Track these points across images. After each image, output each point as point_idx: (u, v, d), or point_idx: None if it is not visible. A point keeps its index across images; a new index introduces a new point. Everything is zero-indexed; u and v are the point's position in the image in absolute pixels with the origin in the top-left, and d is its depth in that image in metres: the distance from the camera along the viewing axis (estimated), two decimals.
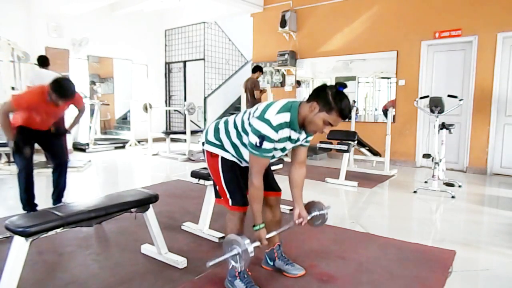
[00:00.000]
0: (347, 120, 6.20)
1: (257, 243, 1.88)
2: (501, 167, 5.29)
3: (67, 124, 3.72)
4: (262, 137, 1.75)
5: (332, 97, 1.75)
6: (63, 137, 3.38)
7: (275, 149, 1.86)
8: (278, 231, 2.06)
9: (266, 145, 1.77)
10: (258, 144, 1.76)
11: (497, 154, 5.30)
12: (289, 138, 1.86)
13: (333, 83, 2.00)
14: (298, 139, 1.92)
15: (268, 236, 1.95)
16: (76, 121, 3.42)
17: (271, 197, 2.19)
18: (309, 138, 2.01)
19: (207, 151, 2.04)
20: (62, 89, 2.80)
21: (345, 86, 1.80)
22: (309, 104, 1.79)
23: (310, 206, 2.19)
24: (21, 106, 2.84)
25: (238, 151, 1.96)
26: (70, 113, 3.59)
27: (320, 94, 1.79)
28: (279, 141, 1.82)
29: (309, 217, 2.13)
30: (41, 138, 3.16)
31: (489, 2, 5.15)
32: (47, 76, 5.57)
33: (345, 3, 6.50)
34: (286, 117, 1.79)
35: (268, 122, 1.75)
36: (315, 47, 6.93)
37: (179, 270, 2.25)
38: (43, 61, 5.50)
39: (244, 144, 1.91)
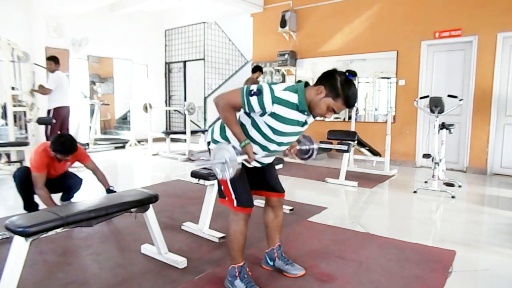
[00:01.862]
0: (347, 119, 6.24)
1: (245, 156, 1.80)
2: (501, 167, 5.29)
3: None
4: (259, 92, 1.73)
5: (340, 84, 1.73)
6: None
7: (282, 133, 1.82)
8: (268, 155, 1.97)
9: (254, 101, 1.73)
10: (251, 93, 1.74)
11: (497, 154, 5.29)
12: (297, 122, 1.83)
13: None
14: (306, 122, 1.88)
15: (257, 157, 1.87)
16: (103, 180, 3.23)
17: (274, 198, 2.18)
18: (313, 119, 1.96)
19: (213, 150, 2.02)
20: (63, 147, 2.91)
21: (355, 74, 1.77)
22: (316, 88, 1.77)
23: (299, 139, 2.16)
24: (42, 168, 2.94)
25: None
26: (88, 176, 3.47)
27: (328, 79, 1.76)
28: (286, 122, 1.78)
29: (298, 147, 2.10)
30: (55, 182, 3.20)
31: (489, 2, 5.15)
32: (64, 78, 5.70)
33: (345, 3, 6.49)
34: (293, 97, 1.76)
35: (271, 90, 1.74)
36: (315, 47, 6.93)
37: (179, 270, 2.25)
38: (58, 62, 5.62)
39: (251, 138, 1.88)
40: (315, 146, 2.13)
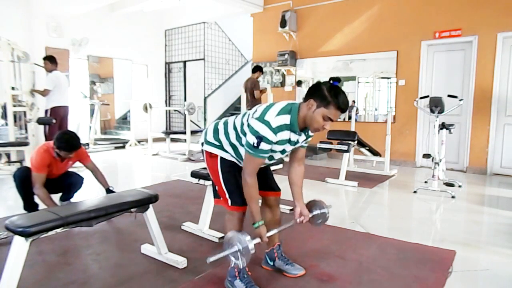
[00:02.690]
0: (347, 119, 6.24)
1: (257, 240, 1.87)
2: (501, 167, 5.29)
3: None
4: (260, 138, 1.75)
5: (328, 92, 1.75)
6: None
7: (273, 151, 1.86)
8: (279, 229, 2.06)
9: (264, 146, 1.77)
10: (255, 145, 1.77)
11: (497, 154, 5.29)
12: (288, 141, 1.86)
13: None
14: (297, 141, 1.92)
15: (268, 234, 1.94)
16: (102, 180, 3.21)
17: (271, 197, 2.19)
18: (308, 140, 2.01)
19: (206, 151, 2.04)
20: (68, 143, 2.90)
21: (339, 80, 1.81)
22: (306, 103, 1.80)
23: (311, 205, 2.19)
24: (43, 168, 2.92)
25: (237, 151, 1.95)
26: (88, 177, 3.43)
27: (315, 91, 1.79)
28: (278, 143, 1.82)
29: (310, 215, 2.12)
30: (56, 181, 3.20)
31: (489, 2, 5.15)
32: (62, 78, 5.65)
33: (345, 3, 6.49)
34: (286, 119, 1.79)
35: (267, 124, 1.75)
36: (315, 47, 6.93)
37: (179, 270, 2.25)
38: (54, 61, 5.57)
39: (243, 145, 1.91)
40: (327, 210, 2.16)
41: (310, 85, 2.26)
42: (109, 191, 3.14)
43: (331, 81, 1.80)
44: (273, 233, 2.01)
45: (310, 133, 1.97)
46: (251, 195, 1.86)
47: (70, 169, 3.35)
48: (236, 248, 1.80)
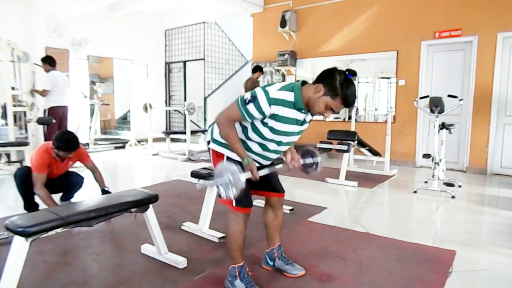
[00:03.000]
0: (347, 119, 6.24)
1: (248, 174, 1.81)
2: (501, 167, 5.29)
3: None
4: (254, 98, 1.74)
5: (340, 83, 1.73)
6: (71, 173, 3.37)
7: (278, 132, 1.81)
8: (270, 169, 1.98)
9: (252, 108, 1.74)
10: (246, 101, 1.75)
11: (497, 154, 5.29)
12: (296, 121, 1.83)
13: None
14: (304, 120, 1.88)
15: (260, 173, 1.87)
16: (100, 180, 3.24)
17: (274, 198, 2.18)
18: (310, 120, 1.96)
19: (212, 150, 2.01)
20: (67, 144, 2.90)
21: (355, 74, 1.77)
22: (315, 86, 1.77)
23: (304, 152, 2.14)
24: (43, 168, 2.93)
25: (246, 145, 1.91)
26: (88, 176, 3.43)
27: (327, 78, 1.76)
28: (281, 120, 1.78)
29: (302, 162, 2.09)
30: (57, 182, 3.20)
31: (489, 2, 5.15)
32: (61, 78, 5.64)
33: (345, 3, 6.50)
34: (289, 96, 1.76)
35: (265, 92, 1.75)
36: (315, 47, 6.93)
37: (179, 270, 2.25)
38: (52, 62, 5.56)
39: (249, 138, 1.89)
40: (319, 159, 2.12)
41: None
42: (104, 191, 3.15)
43: (347, 73, 1.76)
44: (264, 173, 1.92)
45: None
46: (229, 135, 1.82)
47: (71, 169, 3.35)
48: (227, 179, 1.73)
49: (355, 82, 1.88)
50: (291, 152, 2.07)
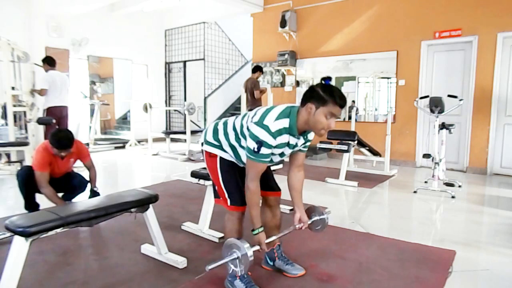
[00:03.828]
0: (347, 119, 6.24)
1: (256, 247, 1.88)
2: (501, 167, 5.29)
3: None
4: (260, 143, 1.76)
5: (322, 91, 1.77)
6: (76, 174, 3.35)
7: (272, 154, 1.87)
8: (278, 235, 2.08)
9: (264, 150, 1.78)
10: (255, 150, 1.77)
11: (497, 154, 5.29)
12: (287, 144, 1.87)
13: (333, 83, 2.02)
14: (296, 145, 1.93)
15: (268, 240, 1.95)
16: (93, 178, 3.22)
17: (271, 197, 2.19)
18: (307, 144, 2.02)
19: (205, 151, 2.06)
20: (60, 142, 2.88)
21: (330, 78, 1.86)
22: (305, 107, 1.81)
23: (310, 211, 2.20)
24: (45, 166, 2.92)
25: (236, 152, 1.97)
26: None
27: (311, 94, 1.81)
28: (277, 146, 1.82)
29: (309, 222, 2.13)
30: (61, 182, 3.18)
31: (489, 2, 5.15)
32: (58, 77, 5.62)
33: (345, 3, 6.49)
34: (285, 123, 1.79)
35: (266, 128, 1.75)
36: (315, 47, 6.93)
37: (179, 270, 2.25)
38: (51, 62, 5.55)
39: (242, 147, 1.92)
40: (326, 216, 2.18)
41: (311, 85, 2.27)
42: (93, 191, 3.15)
43: (323, 81, 1.83)
44: (272, 240, 2.02)
45: (309, 137, 1.97)
46: (252, 201, 1.87)
47: (76, 171, 3.33)
48: (235, 255, 1.80)
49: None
50: (300, 212, 2.10)
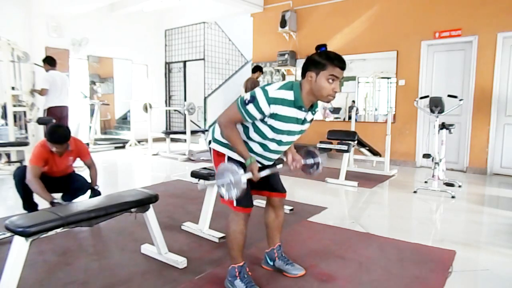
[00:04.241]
0: (347, 119, 6.24)
1: (249, 175, 1.82)
2: (501, 167, 5.29)
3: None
4: (253, 98, 1.76)
5: (319, 56, 1.78)
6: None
7: (280, 131, 1.82)
8: (271, 170, 1.99)
9: (251, 108, 1.76)
10: (246, 102, 1.77)
11: (497, 154, 5.29)
12: (296, 120, 1.83)
13: None
14: (305, 120, 1.88)
15: (262, 174, 1.89)
16: (94, 177, 3.20)
17: (275, 198, 2.18)
18: (312, 118, 1.97)
19: (213, 149, 2.01)
20: (53, 135, 2.86)
21: (325, 46, 1.85)
22: (305, 78, 1.81)
23: (304, 153, 2.14)
24: (38, 160, 2.90)
25: (247, 146, 1.91)
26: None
27: (308, 63, 1.81)
28: (281, 119, 1.79)
29: (303, 162, 2.09)
30: (61, 183, 3.16)
31: (489, 2, 5.15)
32: (59, 77, 5.62)
33: (345, 3, 6.50)
34: (288, 95, 1.77)
35: (264, 91, 1.76)
36: (315, 47, 6.90)
37: (179, 270, 2.25)
38: (52, 62, 5.54)
39: (250, 138, 1.89)
40: (320, 159, 2.13)
41: None
42: (94, 189, 3.14)
43: (317, 49, 1.84)
44: (265, 174, 1.93)
45: (316, 110, 1.95)
46: (231, 135, 1.84)
47: (76, 171, 3.32)
48: (228, 180, 1.75)
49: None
50: (292, 152, 2.08)
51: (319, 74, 1.76)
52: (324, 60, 1.76)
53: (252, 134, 1.88)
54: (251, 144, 1.92)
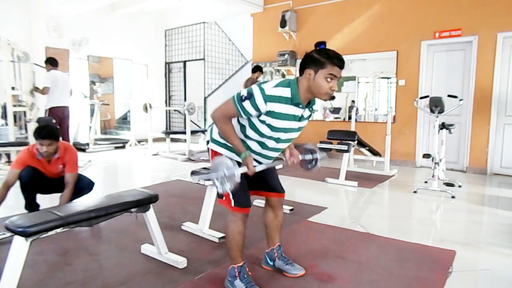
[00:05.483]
0: (347, 119, 6.24)
1: (244, 169, 1.82)
2: (501, 167, 5.29)
3: None
4: (250, 95, 1.74)
5: (318, 54, 1.77)
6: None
7: (277, 129, 1.81)
8: (267, 165, 1.99)
9: (247, 105, 1.75)
10: (243, 98, 1.76)
11: (497, 154, 5.29)
12: (293, 117, 1.82)
13: None
14: (302, 117, 1.87)
15: (257, 169, 1.87)
16: (64, 200, 2.90)
17: (274, 198, 2.17)
18: (311, 115, 1.97)
19: (212, 150, 2.01)
20: (41, 131, 2.84)
21: (324, 43, 1.83)
22: (304, 75, 1.80)
23: (303, 149, 2.14)
24: (17, 165, 2.90)
25: (245, 144, 1.91)
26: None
27: (307, 60, 1.80)
28: (278, 117, 1.78)
29: (301, 157, 2.09)
30: (54, 184, 3.12)
31: (489, 2, 5.15)
32: (60, 77, 5.63)
33: (345, 3, 6.50)
34: (286, 92, 1.77)
35: (261, 89, 1.75)
36: (314, 44, 6.90)
37: (179, 270, 2.25)
38: (54, 63, 5.57)
39: (248, 137, 1.89)
40: (318, 155, 2.12)
41: None
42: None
43: (317, 47, 1.82)
44: (261, 169, 1.93)
45: (314, 108, 1.95)
46: (226, 130, 1.84)
47: (80, 172, 3.30)
48: (222, 174, 1.74)
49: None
50: (290, 148, 2.08)
51: (318, 72, 1.75)
52: (323, 58, 1.75)
53: (249, 132, 1.87)
54: (249, 142, 1.91)
